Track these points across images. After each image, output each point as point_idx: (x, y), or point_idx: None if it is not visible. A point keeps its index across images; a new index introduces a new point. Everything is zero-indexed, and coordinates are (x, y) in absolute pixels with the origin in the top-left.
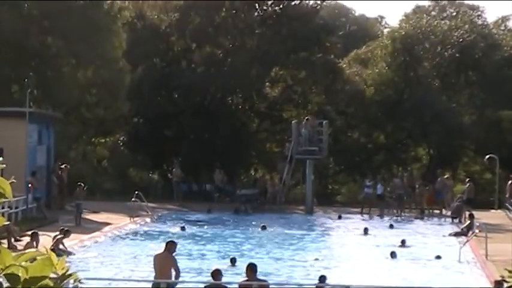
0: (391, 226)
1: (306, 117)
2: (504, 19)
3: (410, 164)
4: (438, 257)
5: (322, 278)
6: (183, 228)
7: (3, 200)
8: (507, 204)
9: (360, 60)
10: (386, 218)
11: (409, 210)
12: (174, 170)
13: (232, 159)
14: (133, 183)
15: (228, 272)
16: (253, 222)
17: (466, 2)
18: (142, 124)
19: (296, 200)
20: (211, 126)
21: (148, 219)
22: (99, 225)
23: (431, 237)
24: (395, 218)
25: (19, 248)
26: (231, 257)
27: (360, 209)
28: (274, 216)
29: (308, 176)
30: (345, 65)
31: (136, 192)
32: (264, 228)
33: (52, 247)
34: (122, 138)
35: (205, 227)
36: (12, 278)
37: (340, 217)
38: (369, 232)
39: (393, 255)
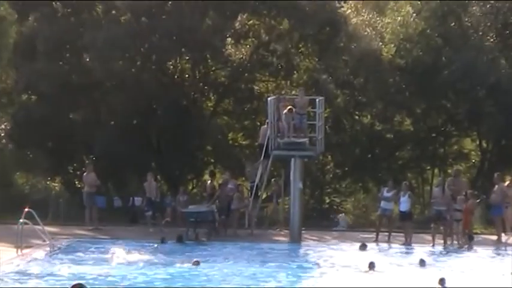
0: (422, 262)
1: (289, 107)
2: None
3: (452, 164)
4: None
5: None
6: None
7: None
8: None
9: (373, 4)
10: (416, 247)
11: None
12: (85, 174)
13: (176, 158)
14: (22, 195)
15: None
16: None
17: None
18: (36, 103)
19: (275, 220)
20: (143, 106)
21: (45, 252)
22: None
23: (484, 275)
24: (431, 249)
25: None
26: None
27: (375, 234)
28: (241, 247)
29: (294, 184)
30: (349, 11)
31: (26, 210)
32: (196, 263)
33: None
34: (4, 126)
35: (133, 265)
36: None
37: (364, 246)
38: (377, 268)
39: None
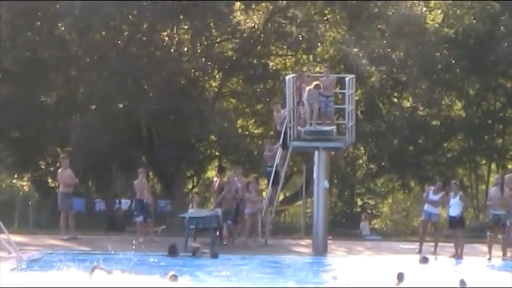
0: (462, 283)
1: (315, 82)
2: None
3: None
4: None
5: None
6: None
7: None
8: None
9: None
10: (468, 260)
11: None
12: (59, 171)
13: (171, 151)
14: None
15: None
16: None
17: None
18: None
19: (293, 227)
20: (131, 86)
21: (10, 267)
22: None
23: None
24: (487, 262)
25: None
26: None
27: (419, 244)
28: (251, 261)
29: (318, 182)
30: None
31: None
32: (174, 279)
33: None
34: None
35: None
36: None
37: (425, 260)
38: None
39: None
